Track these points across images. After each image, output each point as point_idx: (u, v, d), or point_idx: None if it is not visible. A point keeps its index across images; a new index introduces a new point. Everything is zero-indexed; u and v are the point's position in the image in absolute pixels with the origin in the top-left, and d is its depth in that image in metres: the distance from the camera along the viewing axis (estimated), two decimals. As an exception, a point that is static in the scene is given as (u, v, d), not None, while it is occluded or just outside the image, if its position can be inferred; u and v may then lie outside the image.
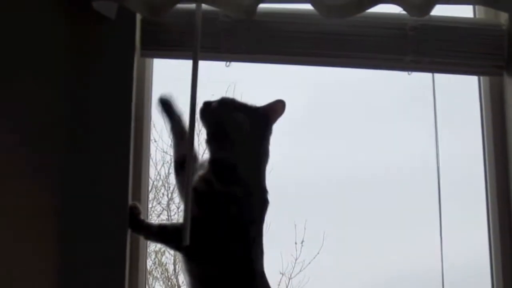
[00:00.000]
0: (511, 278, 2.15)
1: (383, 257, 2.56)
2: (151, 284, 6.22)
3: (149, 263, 6.00)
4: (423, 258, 2.39)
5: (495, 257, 2.19)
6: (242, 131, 2.01)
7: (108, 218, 1.99)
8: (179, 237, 1.91)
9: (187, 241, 1.89)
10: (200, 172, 2.02)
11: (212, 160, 2.03)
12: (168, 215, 6.75)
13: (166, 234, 1.98)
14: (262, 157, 2.03)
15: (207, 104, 2.06)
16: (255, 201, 1.99)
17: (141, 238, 2.07)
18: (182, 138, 2.10)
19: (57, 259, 1.96)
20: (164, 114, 2.12)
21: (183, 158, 2.02)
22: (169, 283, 5.78)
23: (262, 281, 1.95)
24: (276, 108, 2.05)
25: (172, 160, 2.14)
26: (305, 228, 3.40)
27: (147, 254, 2.24)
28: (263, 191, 2.02)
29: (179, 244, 1.92)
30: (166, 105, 2.12)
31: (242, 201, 1.96)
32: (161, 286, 6.37)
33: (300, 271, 3.88)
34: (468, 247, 2.37)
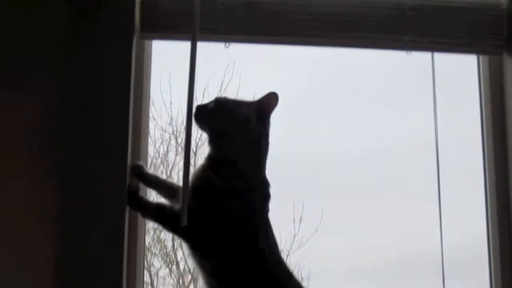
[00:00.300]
0: (508, 258, 2.16)
1: (381, 236, 2.57)
2: (150, 260, 6.26)
3: (147, 239, 6.02)
4: (422, 238, 2.40)
5: (492, 235, 2.20)
6: (249, 127, 2.01)
7: (107, 195, 2.00)
8: (176, 220, 1.91)
9: (184, 222, 1.89)
10: (198, 168, 2.02)
11: (212, 158, 2.02)
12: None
13: (164, 216, 1.99)
14: (263, 151, 2.04)
15: (201, 108, 2.05)
16: (257, 195, 1.99)
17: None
18: (175, 193, 2.06)
19: (55, 236, 1.97)
20: (143, 182, 2.10)
21: None
22: (168, 259, 5.81)
23: (279, 268, 1.95)
24: (270, 101, 2.05)
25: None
26: (303, 206, 3.40)
27: (146, 230, 2.25)
28: (265, 185, 2.02)
29: (176, 227, 1.93)
30: (140, 174, 2.08)
31: (243, 195, 1.96)
32: (159, 262, 6.40)
33: (299, 248, 3.91)
34: (467, 226, 2.38)
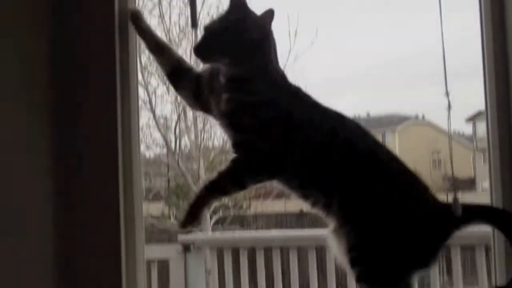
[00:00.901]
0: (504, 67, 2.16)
1: (379, 43, 2.57)
2: (147, 79, 6.33)
3: (143, 58, 6.07)
4: (419, 43, 2.40)
5: (487, 42, 2.20)
6: (256, 37, 1.92)
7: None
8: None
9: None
10: (224, 97, 1.94)
11: (230, 79, 1.95)
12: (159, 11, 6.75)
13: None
14: (274, 47, 1.97)
15: (200, 48, 1.94)
16: (284, 94, 1.95)
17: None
18: (161, 51, 2.04)
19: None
20: (137, 30, 2.05)
21: (174, 69, 2.02)
22: (164, 78, 5.88)
23: (357, 138, 1.93)
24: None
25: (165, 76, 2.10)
26: (298, 18, 3.36)
27: (141, 50, 2.23)
28: (284, 79, 1.97)
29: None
30: (137, 20, 2.04)
31: (277, 100, 1.92)
32: (156, 80, 6.49)
33: (295, 61, 3.93)
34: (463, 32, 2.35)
